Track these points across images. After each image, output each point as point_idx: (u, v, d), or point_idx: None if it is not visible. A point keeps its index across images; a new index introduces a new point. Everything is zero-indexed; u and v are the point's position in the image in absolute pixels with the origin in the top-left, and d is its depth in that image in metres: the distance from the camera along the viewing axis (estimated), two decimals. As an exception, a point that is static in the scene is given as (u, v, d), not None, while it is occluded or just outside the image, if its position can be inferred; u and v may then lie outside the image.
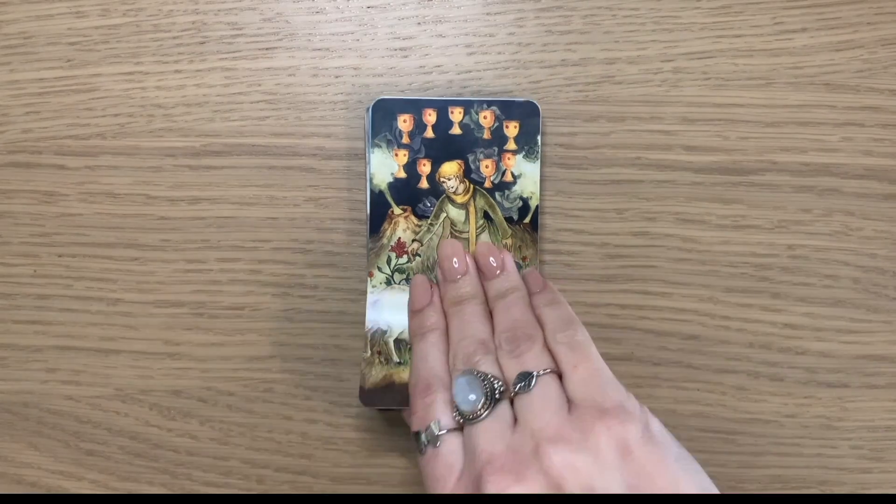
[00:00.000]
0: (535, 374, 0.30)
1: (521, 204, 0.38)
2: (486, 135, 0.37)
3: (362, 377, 0.36)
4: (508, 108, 0.37)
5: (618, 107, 0.39)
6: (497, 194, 0.38)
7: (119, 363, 0.39)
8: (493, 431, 0.29)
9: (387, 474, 0.39)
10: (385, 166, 0.37)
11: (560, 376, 0.31)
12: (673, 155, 0.39)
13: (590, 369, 0.30)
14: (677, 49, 0.39)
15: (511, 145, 0.38)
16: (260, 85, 0.39)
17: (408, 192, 0.37)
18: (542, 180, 0.39)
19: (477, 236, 0.37)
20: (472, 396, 0.30)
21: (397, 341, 0.37)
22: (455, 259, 0.35)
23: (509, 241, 0.37)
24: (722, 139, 0.39)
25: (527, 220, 0.38)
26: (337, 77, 0.40)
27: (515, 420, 0.30)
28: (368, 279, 0.37)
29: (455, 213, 0.37)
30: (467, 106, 0.37)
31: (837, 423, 0.39)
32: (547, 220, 0.39)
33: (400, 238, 0.37)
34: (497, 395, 0.30)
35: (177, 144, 0.39)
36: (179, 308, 0.39)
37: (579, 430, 0.28)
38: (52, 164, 0.39)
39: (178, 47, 0.39)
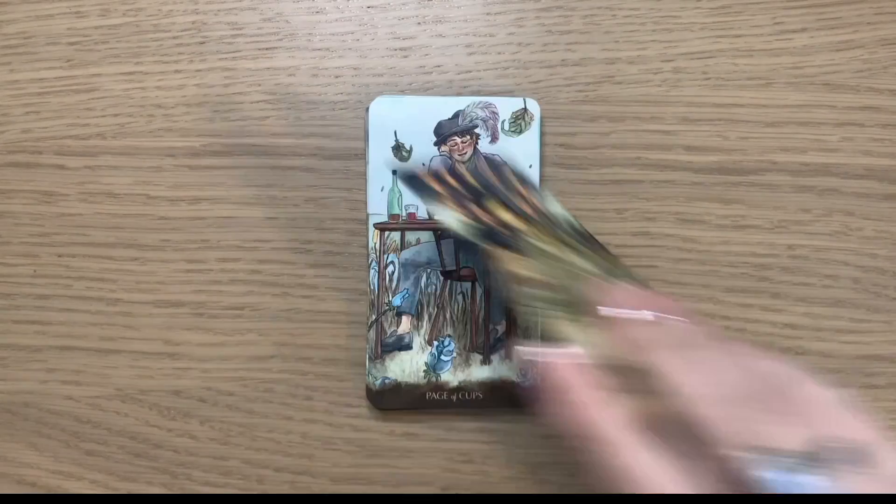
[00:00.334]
0: None
1: None
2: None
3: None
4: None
5: (618, 107, 0.39)
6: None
7: (119, 363, 0.39)
8: None
9: (387, 474, 0.39)
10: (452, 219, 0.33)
11: None
12: (673, 155, 0.39)
13: None
14: (677, 49, 0.39)
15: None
16: (260, 85, 0.39)
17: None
18: (542, 180, 0.39)
19: None
20: None
21: None
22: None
23: None
24: (722, 139, 0.39)
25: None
26: (337, 77, 0.40)
27: None
28: None
29: None
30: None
31: (837, 423, 0.39)
32: (547, 220, 0.39)
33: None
34: None
35: (177, 144, 0.39)
36: (179, 308, 0.39)
37: None
38: (52, 164, 0.39)
39: (178, 47, 0.39)
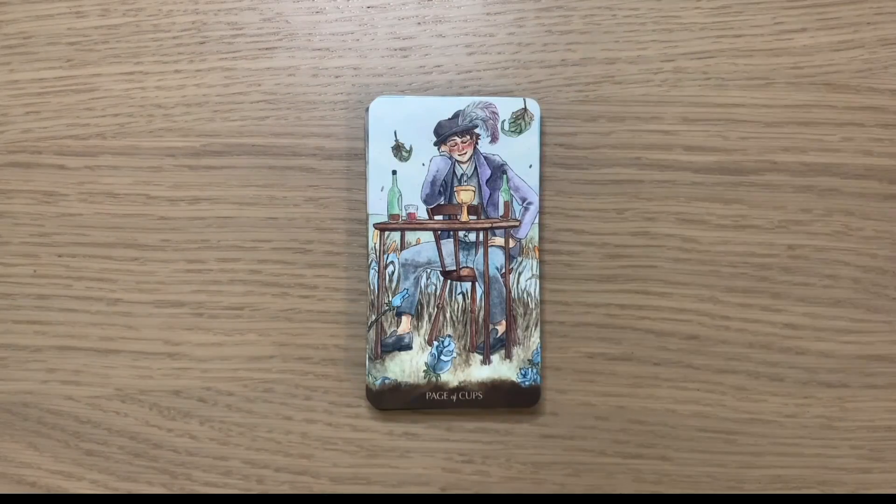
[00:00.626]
0: None
1: None
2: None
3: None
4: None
5: (618, 107, 0.39)
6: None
7: (119, 363, 0.39)
8: None
9: (387, 474, 0.39)
10: None
11: None
12: (673, 155, 0.39)
13: None
14: (677, 49, 0.39)
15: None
16: (260, 85, 0.39)
17: None
18: (542, 180, 0.39)
19: None
20: None
21: None
22: None
23: None
24: (722, 139, 0.39)
25: None
26: (337, 77, 0.40)
27: None
28: None
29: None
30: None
31: (837, 423, 0.39)
32: (547, 220, 0.39)
33: None
34: None
35: (177, 144, 0.39)
36: (179, 308, 0.39)
37: None
38: (52, 164, 0.39)
39: (178, 47, 0.39)
